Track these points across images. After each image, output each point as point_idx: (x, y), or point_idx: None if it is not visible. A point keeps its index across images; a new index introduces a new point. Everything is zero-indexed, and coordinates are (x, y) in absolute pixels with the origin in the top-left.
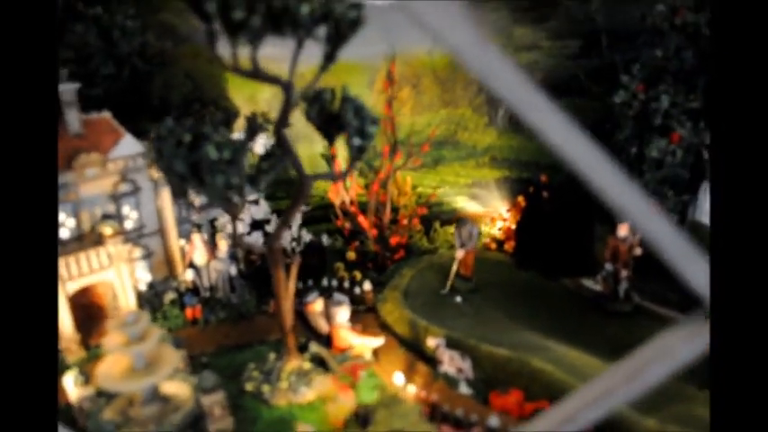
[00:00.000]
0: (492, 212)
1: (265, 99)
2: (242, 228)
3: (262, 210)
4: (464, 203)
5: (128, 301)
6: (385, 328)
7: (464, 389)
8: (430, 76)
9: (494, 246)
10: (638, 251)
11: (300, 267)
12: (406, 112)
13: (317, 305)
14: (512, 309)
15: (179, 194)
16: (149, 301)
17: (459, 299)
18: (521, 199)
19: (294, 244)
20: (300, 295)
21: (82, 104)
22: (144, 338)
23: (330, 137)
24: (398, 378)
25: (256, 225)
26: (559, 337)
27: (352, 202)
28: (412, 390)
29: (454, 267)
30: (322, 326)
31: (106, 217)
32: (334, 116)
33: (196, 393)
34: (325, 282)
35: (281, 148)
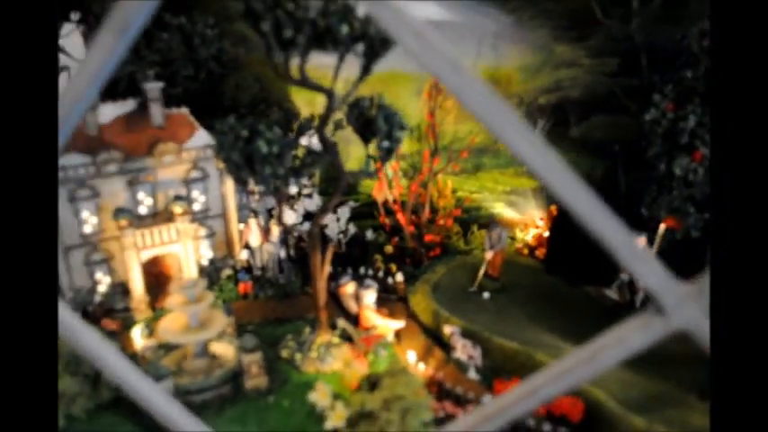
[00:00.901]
0: (527, 220)
1: (321, 102)
2: (296, 218)
3: (314, 203)
4: (501, 209)
5: (191, 273)
6: (411, 317)
7: (472, 374)
8: None
9: (526, 251)
10: None
11: (344, 257)
12: (450, 121)
13: (348, 287)
14: (533, 310)
15: (238, 182)
16: (209, 274)
17: (486, 295)
18: (553, 208)
19: (341, 236)
20: (337, 279)
21: (165, 101)
22: (199, 301)
23: (366, 139)
24: (411, 356)
25: (309, 216)
26: (573, 339)
27: (395, 201)
28: (422, 367)
29: (483, 267)
30: (352, 306)
31: (178, 198)
32: (370, 121)
33: (238, 354)
34: (362, 270)
35: (323, 147)
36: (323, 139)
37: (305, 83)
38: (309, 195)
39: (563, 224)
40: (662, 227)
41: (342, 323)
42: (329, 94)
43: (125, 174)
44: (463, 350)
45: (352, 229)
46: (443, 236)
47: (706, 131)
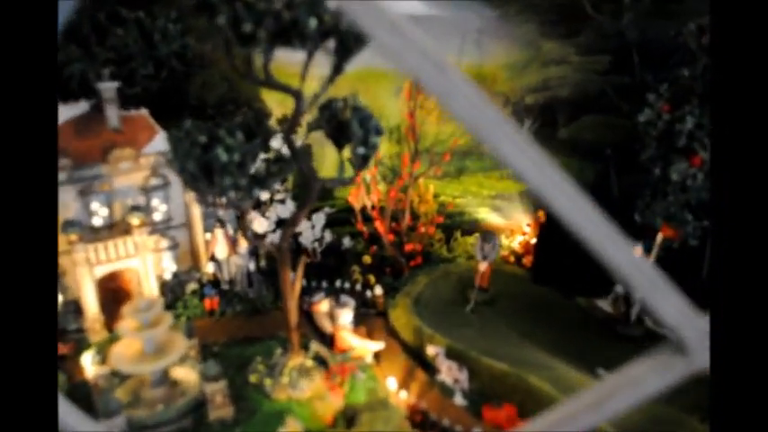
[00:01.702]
0: (513, 225)
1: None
2: (267, 226)
3: (287, 209)
4: (486, 215)
5: (150, 289)
6: (392, 334)
7: (459, 399)
8: None
9: (512, 259)
10: None
11: (319, 267)
12: (431, 121)
13: (322, 305)
14: (522, 323)
15: (196, 193)
16: (172, 289)
17: (469, 307)
18: (541, 214)
19: (316, 244)
20: (311, 295)
21: (122, 102)
22: (156, 325)
23: (339, 144)
24: (391, 383)
25: (281, 223)
26: (565, 357)
27: (373, 207)
28: (403, 395)
29: (477, 281)
30: (326, 326)
31: (135, 208)
32: (343, 125)
33: (202, 381)
34: (338, 283)
35: (291, 153)
36: (290, 145)
37: (270, 83)
38: (282, 201)
39: (551, 231)
40: (659, 236)
41: (315, 346)
42: (297, 95)
43: (76, 182)
44: (448, 373)
45: (328, 236)
46: (425, 244)
47: (705, 134)
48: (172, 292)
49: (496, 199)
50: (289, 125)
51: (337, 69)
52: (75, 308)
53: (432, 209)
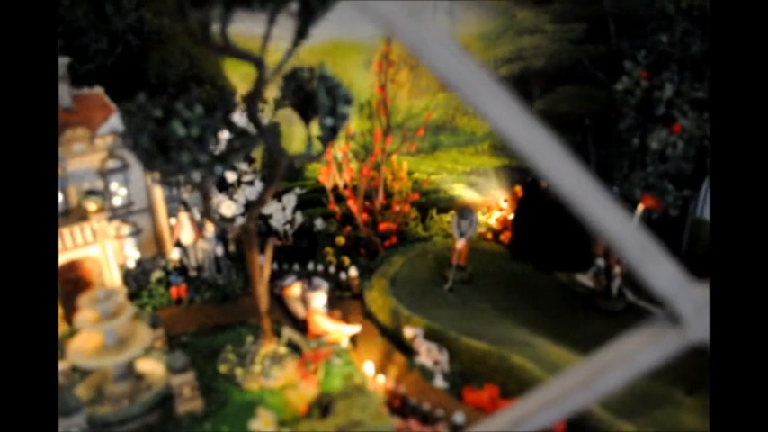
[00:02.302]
0: (490, 201)
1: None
2: (235, 209)
3: (256, 191)
4: (462, 191)
5: (112, 278)
6: (368, 316)
7: (439, 381)
8: None
9: (489, 236)
10: None
11: (291, 250)
12: (403, 95)
13: (294, 289)
14: (501, 301)
15: (151, 172)
16: (136, 278)
17: (447, 286)
18: (518, 189)
19: (287, 227)
20: (281, 279)
21: (74, 80)
22: (116, 315)
23: (306, 117)
24: (368, 367)
25: (250, 206)
26: (547, 333)
27: (345, 186)
28: (381, 380)
29: (454, 259)
30: (299, 310)
31: (90, 193)
32: (310, 96)
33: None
34: (311, 266)
35: (255, 127)
36: (253, 119)
37: (228, 50)
38: (250, 183)
39: (529, 206)
40: (640, 207)
41: (287, 332)
42: (258, 63)
43: None
44: (428, 355)
45: (300, 218)
46: (400, 223)
47: (684, 101)
48: (136, 281)
49: (472, 175)
50: (251, 96)
51: (301, 33)
52: None
53: (406, 186)
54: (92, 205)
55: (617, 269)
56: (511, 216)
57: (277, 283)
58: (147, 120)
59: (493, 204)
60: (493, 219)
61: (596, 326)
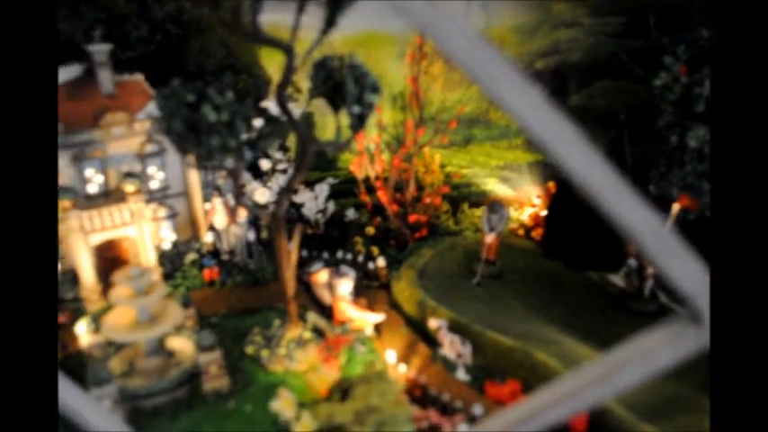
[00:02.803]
0: (522, 197)
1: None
2: (270, 196)
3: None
4: (494, 186)
5: (148, 258)
6: (394, 306)
7: (461, 374)
8: None
9: (521, 232)
10: None
11: (322, 239)
12: (437, 88)
13: (321, 276)
14: (530, 298)
15: (185, 155)
16: (171, 259)
17: (475, 280)
18: (551, 185)
19: (319, 216)
20: (309, 265)
21: (117, 66)
22: (149, 292)
23: (336, 105)
24: (390, 356)
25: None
26: (574, 332)
27: (377, 177)
28: (403, 369)
29: (483, 254)
30: (325, 297)
31: (128, 175)
32: (339, 84)
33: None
34: (340, 254)
35: (284, 113)
36: (282, 105)
37: (258, 37)
38: (284, 171)
39: (562, 202)
40: (675, 207)
41: (312, 317)
42: (287, 50)
43: (68, 148)
44: (451, 347)
45: (332, 208)
46: (430, 215)
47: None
48: (170, 263)
49: (505, 170)
50: (281, 83)
51: (330, 22)
52: (73, 277)
53: (438, 179)
54: (130, 187)
55: (650, 270)
56: (543, 213)
57: (305, 269)
58: (180, 104)
59: (525, 200)
60: (525, 215)
61: (625, 327)
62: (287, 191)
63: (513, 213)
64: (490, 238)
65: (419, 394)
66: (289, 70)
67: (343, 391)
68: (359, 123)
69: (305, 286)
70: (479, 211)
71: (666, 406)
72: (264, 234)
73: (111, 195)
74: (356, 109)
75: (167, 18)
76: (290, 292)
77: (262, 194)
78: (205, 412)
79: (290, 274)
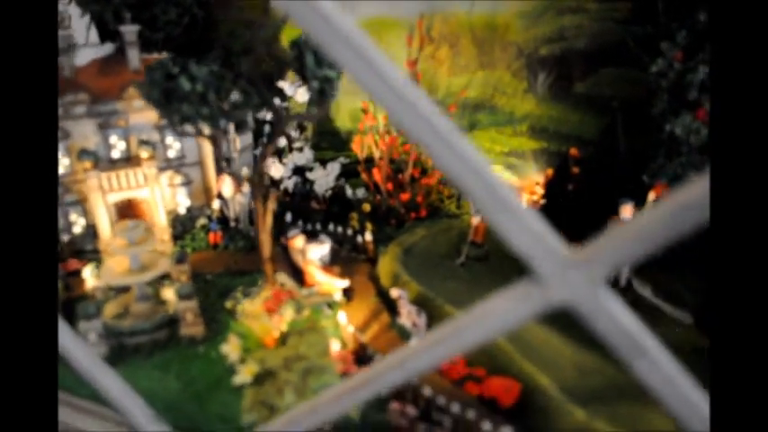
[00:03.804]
0: (526, 184)
1: None
2: (284, 171)
3: (305, 156)
4: (499, 172)
5: (160, 218)
6: (373, 278)
7: (414, 343)
8: (468, 36)
9: None
10: None
11: (325, 214)
12: (443, 73)
13: (296, 241)
14: (511, 280)
15: (167, 119)
16: (183, 223)
17: (459, 260)
18: (549, 172)
19: (329, 193)
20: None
21: (146, 46)
22: (140, 244)
23: (306, 80)
24: (342, 317)
25: (297, 170)
26: (542, 317)
27: (381, 157)
28: (351, 329)
29: (471, 236)
30: (299, 261)
31: (143, 143)
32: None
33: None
34: (336, 228)
35: (249, 83)
36: (250, 81)
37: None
38: (300, 149)
39: (557, 189)
40: (651, 195)
41: (281, 277)
42: (258, 25)
43: (95, 117)
44: (408, 316)
45: (332, 184)
46: (434, 198)
47: None
48: (182, 226)
49: (510, 156)
50: (246, 55)
51: None
52: (94, 231)
53: None
54: (144, 153)
55: None
56: (542, 201)
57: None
58: (163, 75)
59: (527, 187)
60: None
61: None
62: (262, 158)
63: None
64: (476, 221)
65: (362, 354)
66: (255, 42)
67: (281, 340)
68: (320, 97)
69: (284, 250)
70: None
71: (611, 393)
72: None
73: (131, 160)
74: (315, 83)
75: (194, 2)
76: (265, 253)
77: (277, 169)
78: (176, 354)
79: (265, 237)
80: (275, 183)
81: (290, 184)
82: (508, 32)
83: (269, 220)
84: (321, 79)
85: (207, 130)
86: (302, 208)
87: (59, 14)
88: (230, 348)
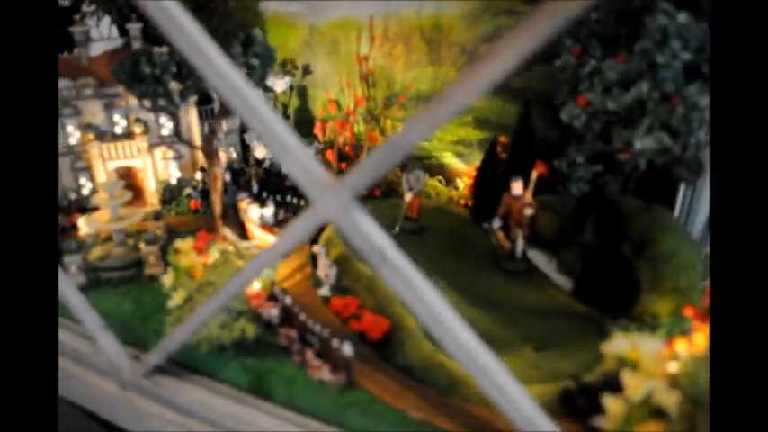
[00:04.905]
0: (468, 170)
1: (290, 48)
2: (267, 152)
3: None
4: (450, 160)
5: (150, 185)
6: (314, 241)
7: (324, 291)
8: (418, 35)
9: (462, 202)
10: (528, 211)
11: (293, 189)
12: (399, 68)
13: (243, 203)
14: (437, 254)
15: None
16: (172, 191)
17: (393, 231)
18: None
19: None
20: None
21: (146, 39)
22: (117, 198)
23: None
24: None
25: None
26: (445, 279)
27: (345, 143)
28: (268, 273)
29: (403, 210)
30: (245, 220)
31: (137, 120)
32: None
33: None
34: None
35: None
36: (190, 69)
37: None
38: None
39: (486, 175)
40: (533, 174)
41: (225, 231)
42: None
43: (101, 98)
44: (322, 269)
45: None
46: (390, 181)
47: (601, 79)
48: (171, 193)
49: (459, 145)
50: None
51: None
52: (95, 192)
53: None
54: (137, 129)
55: (518, 232)
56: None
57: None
58: (131, 60)
59: (467, 173)
60: (462, 186)
61: (492, 281)
62: (212, 132)
63: (460, 184)
64: (409, 197)
65: (273, 294)
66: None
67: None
68: (259, 81)
69: (235, 210)
70: (434, 181)
71: (484, 342)
72: (220, 170)
73: (130, 136)
74: (243, 69)
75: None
76: (216, 212)
77: (261, 151)
78: (136, 287)
79: (216, 197)
80: (259, 162)
81: (268, 164)
82: (452, 32)
83: (219, 184)
84: (247, 66)
85: (165, 105)
86: (277, 184)
87: (80, 12)
88: (166, 279)
